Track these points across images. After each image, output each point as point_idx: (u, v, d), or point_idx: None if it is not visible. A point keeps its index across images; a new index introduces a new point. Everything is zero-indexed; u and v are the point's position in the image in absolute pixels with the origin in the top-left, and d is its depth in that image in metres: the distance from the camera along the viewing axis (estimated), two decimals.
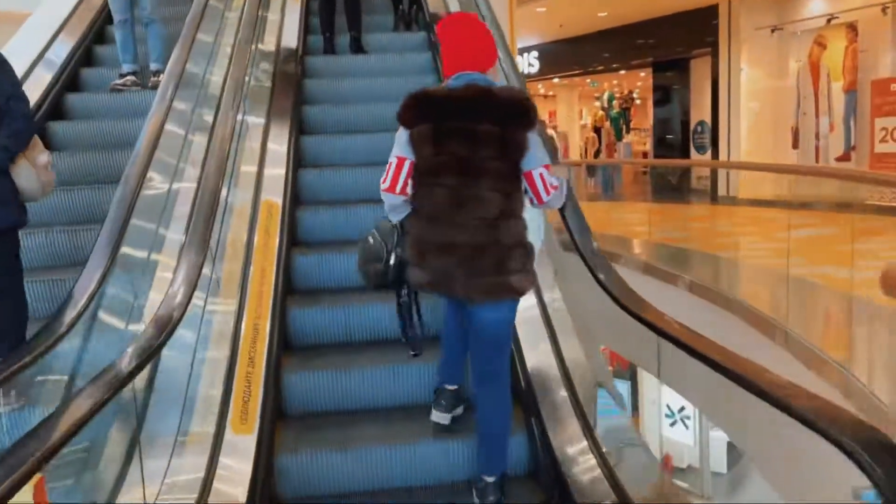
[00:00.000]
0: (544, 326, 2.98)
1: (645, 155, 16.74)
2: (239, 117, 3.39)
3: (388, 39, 5.59)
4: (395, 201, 2.33)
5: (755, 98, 12.14)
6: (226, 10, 4.23)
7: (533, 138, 2.22)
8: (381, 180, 2.32)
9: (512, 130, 2.19)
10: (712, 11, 12.13)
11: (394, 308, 2.67)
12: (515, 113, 2.21)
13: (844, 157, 11.06)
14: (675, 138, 14.43)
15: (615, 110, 17.84)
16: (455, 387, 2.67)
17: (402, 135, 2.29)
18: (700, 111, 13.65)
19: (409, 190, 2.30)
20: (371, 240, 2.54)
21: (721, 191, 12.19)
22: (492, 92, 2.24)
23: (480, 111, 2.20)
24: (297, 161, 4.05)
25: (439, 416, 2.63)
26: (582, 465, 2.45)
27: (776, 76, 12.00)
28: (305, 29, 5.39)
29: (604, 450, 2.44)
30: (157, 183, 2.82)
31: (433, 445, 2.58)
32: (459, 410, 2.69)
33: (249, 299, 2.86)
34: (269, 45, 4.79)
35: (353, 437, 2.61)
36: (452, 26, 2.42)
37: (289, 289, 3.30)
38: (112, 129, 4.18)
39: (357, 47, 5.31)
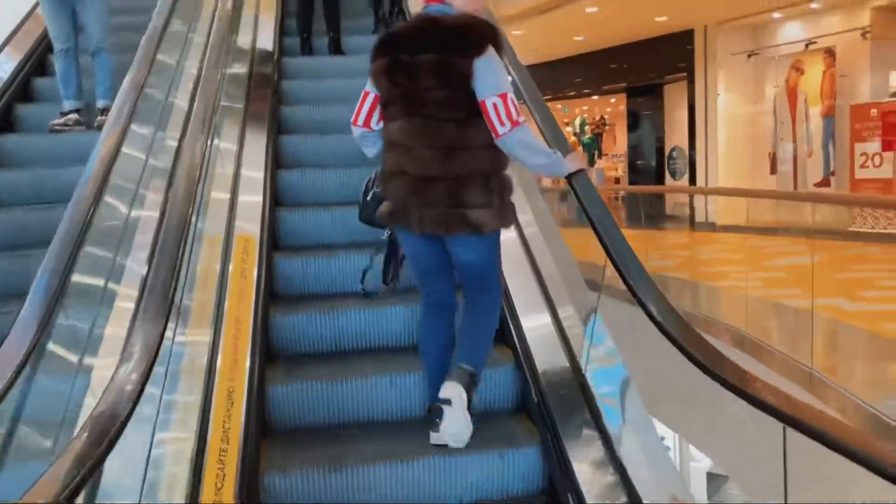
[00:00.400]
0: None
1: (617, 181, 16.58)
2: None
3: (370, 42, 5.16)
4: (358, 132, 2.42)
5: (732, 123, 12.00)
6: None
7: (482, 64, 2.18)
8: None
9: (454, 58, 2.19)
10: (688, 36, 12.00)
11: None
12: (458, 40, 2.20)
13: (824, 183, 10.93)
14: (648, 164, 14.26)
15: (587, 136, 17.68)
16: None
17: (369, 69, 2.37)
18: (675, 136, 13.50)
19: (373, 124, 2.38)
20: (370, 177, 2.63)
21: (699, 217, 12.02)
22: (436, 20, 2.27)
23: (422, 41, 2.25)
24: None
25: (438, 438, 2.30)
26: None
27: (753, 101, 11.89)
28: (281, 31, 5.02)
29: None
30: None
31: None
32: None
33: (222, 364, 2.35)
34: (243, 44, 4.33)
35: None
36: None
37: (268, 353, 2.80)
38: (51, 179, 3.55)
39: (336, 48, 5.06)
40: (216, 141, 3.25)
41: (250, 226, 3.09)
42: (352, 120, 2.42)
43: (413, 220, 2.31)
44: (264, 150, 3.63)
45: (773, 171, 11.55)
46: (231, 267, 2.81)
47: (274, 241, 3.30)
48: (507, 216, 2.37)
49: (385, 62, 2.30)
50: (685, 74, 12.34)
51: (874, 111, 9.78)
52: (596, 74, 14.76)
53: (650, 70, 13.32)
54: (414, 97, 2.25)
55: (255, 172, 3.46)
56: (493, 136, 2.22)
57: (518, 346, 2.73)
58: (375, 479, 2.24)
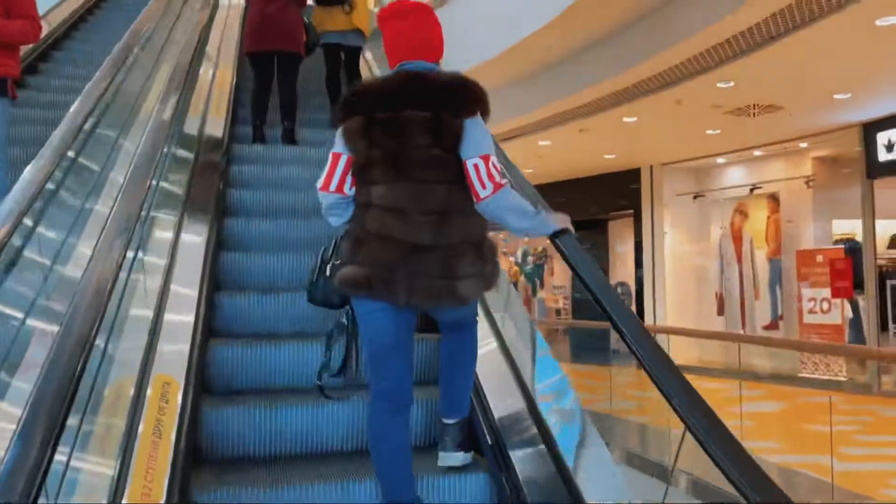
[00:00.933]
0: None
1: (558, 312, 16.28)
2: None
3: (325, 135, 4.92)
4: (329, 200, 2.16)
5: (679, 262, 11.96)
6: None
7: (470, 124, 2.08)
8: (319, 180, 2.17)
9: (445, 115, 2.06)
10: (634, 175, 12.13)
11: None
12: (449, 97, 2.09)
13: (772, 326, 10.81)
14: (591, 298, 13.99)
15: (529, 266, 17.51)
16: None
17: (338, 131, 2.17)
18: (619, 272, 13.39)
19: (346, 189, 2.14)
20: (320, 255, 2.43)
21: None
22: (424, 76, 2.14)
23: (409, 97, 2.09)
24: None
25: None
26: None
27: (699, 241, 11.94)
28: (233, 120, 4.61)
29: None
30: None
31: None
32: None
33: None
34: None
35: None
36: (389, 20, 2.25)
37: None
38: None
39: (290, 138, 4.77)
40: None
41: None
42: (320, 186, 2.16)
43: (398, 291, 2.05)
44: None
45: (721, 312, 11.42)
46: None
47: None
48: (494, 280, 2.27)
49: (361, 120, 2.11)
50: (631, 211, 12.37)
51: (820, 257, 9.84)
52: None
53: (595, 205, 13.36)
54: (399, 156, 2.08)
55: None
56: (475, 200, 2.09)
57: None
58: None
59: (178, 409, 2.16)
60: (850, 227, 10.20)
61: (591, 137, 9.92)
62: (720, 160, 11.19)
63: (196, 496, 2.07)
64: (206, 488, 2.13)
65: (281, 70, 4.73)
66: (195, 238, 3.15)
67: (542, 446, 2.37)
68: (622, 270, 13.28)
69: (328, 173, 2.14)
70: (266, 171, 4.22)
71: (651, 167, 11.88)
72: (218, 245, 3.37)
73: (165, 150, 3.43)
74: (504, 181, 2.09)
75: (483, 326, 2.68)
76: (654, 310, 11.88)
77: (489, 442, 2.48)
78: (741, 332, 10.83)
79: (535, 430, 2.44)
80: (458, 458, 2.36)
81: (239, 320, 3.01)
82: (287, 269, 3.32)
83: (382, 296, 2.06)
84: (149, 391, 2.18)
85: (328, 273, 2.32)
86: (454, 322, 2.30)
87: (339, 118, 2.17)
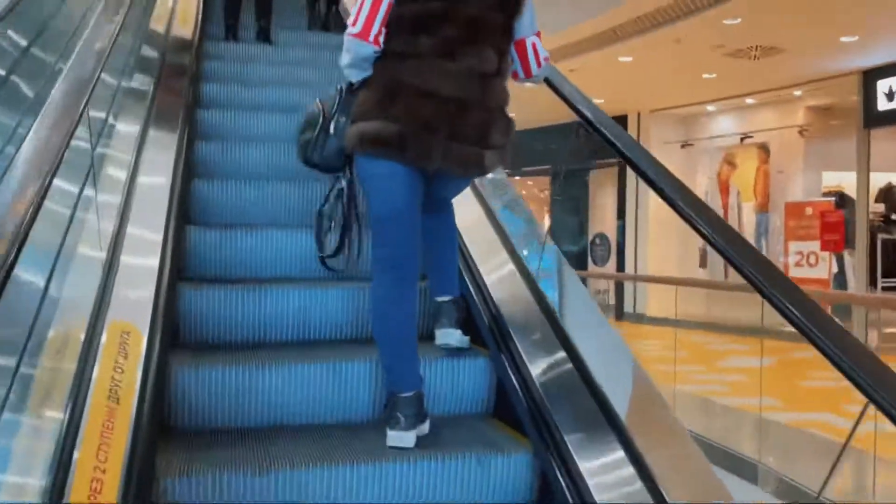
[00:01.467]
0: None
1: None
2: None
3: (303, 37, 4.90)
4: (366, 52, 1.87)
5: (663, 214, 11.63)
6: None
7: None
8: (350, 23, 1.88)
9: None
10: (621, 123, 11.68)
11: None
12: None
13: None
14: (569, 249, 13.71)
15: None
16: (412, 392, 1.89)
17: None
18: (599, 223, 13.06)
19: (381, 40, 1.86)
20: (313, 107, 2.09)
21: (627, 307, 11.45)
22: None
23: None
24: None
25: (400, 438, 1.85)
26: None
27: None
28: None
29: None
30: None
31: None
32: (426, 428, 1.94)
33: None
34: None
35: None
36: None
37: None
38: None
39: (265, 37, 4.61)
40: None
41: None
42: (357, 32, 1.85)
43: (433, 154, 1.87)
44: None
45: (703, 264, 11.18)
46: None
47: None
48: (508, 155, 2.10)
49: None
50: (616, 160, 11.96)
51: (809, 210, 9.58)
52: (518, 156, 14.25)
53: (577, 154, 12.90)
54: (469, 16, 1.89)
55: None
56: (523, 75, 2.12)
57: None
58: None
59: (141, 366, 1.68)
60: (838, 180, 9.95)
61: (582, 79, 9.39)
62: (710, 108, 10.80)
63: (163, 481, 1.61)
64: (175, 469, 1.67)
65: None
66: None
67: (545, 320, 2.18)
68: (602, 222, 12.96)
69: (368, 16, 1.83)
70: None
71: (639, 114, 11.45)
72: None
73: None
74: (547, 54, 2.13)
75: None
76: (635, 262, 11.60)
77: (486, 323, 2.30)
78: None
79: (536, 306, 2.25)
80: (456, 336, 2.20)
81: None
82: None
83: (414, 157, 1.86)
84: (103, 339, 1.70)
85: (332, 130, 2.01)
86: (446, 198, 2.18)
87: None
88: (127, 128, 2.65)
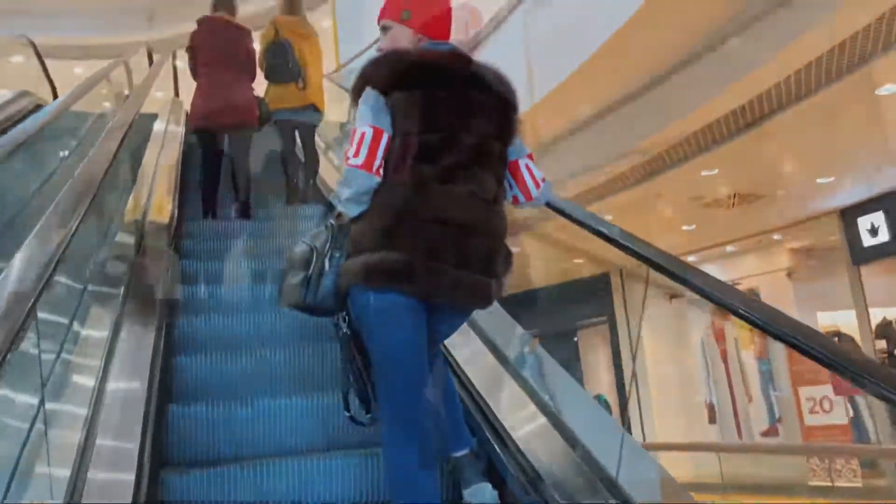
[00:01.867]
0: None
1: None
2: None
3: (282, 210, 4.92)
4: (370, 183, 1.80)
5: (661, 369, 11.23)
6: None
7: (517, 122, 2.01)
8: (351, 154, 1.80)
9: (510, 108, 1.98)
10: (604, 281, 11.59)
11: None
12: (509, 89, 1.98)
13: (771, 432, 10.03)
14: None
15: None
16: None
17: (373, 100, 1.83)
18: (594, 385, 12.55)
19: (381, 171, 1.83)
20: (299, 248, 1.90)
21: None
22: (480, 63, 1.97)
23: (475, 79, 1.92)
24: None
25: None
26: None
27: (677, 345, 11.29)
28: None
29: None
30: None
31: None
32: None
33: None
34: None
35: None
36: None
37: None
38: None
39: (244, 213, 4.52)
40: None
41: None
42: (359, 164, 1.79)
43: (442, 282, 1.78)
44: None
45: (712, 419, 10.62)
46: None
47: None
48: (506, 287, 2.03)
49: (419, 95, 1.84)
50: (604, 318, 11.73)
51: None
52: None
53: (564, 315, 12.68)
54: (469, 145, 1.88)
55: None
56: (523, 199, 2.08)
57: None
58: None
59: None
60: (832, 320, 9.78)
61: (562, 238, 9.38)
62: (692, 258, 10.77)
63: None
64: None
65: (234, 144, 4.54)
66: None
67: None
68: (598, 382, 12.47)
69: (370, 149, 1.78)
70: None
71: (621, 270, 11.37)
72: None
73: None
74: (543, 175, 2.09)
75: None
76: (640, 423, 11.00)
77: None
78: (738, 440, 10.03)
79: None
80: (488, 490, 2.01)
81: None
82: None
83: (424, 287, 1.76)
84: None
85: (327, 267, 1.84)
86: (443, 335, 2.06)
87: (381, 83, 1.84)
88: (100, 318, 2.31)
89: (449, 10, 2.02)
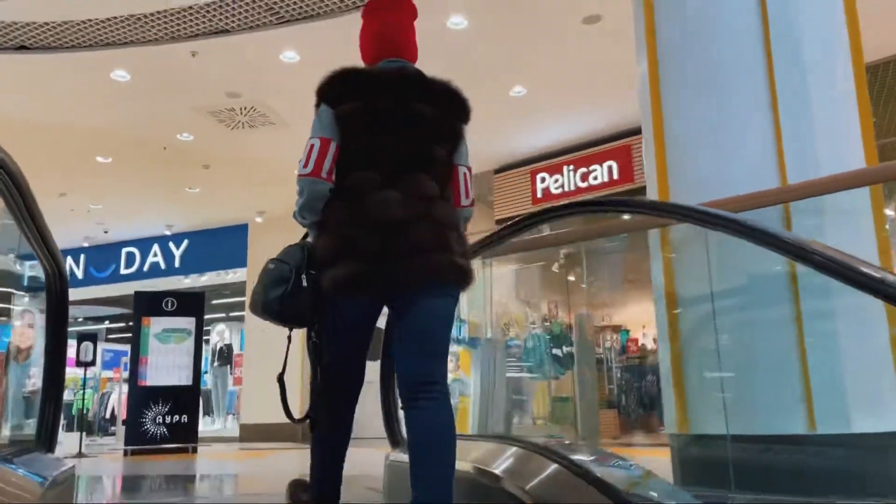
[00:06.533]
0: None
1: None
2: None
3: None
4: (321, 188, 2.02)
5: None
6: None
7: (464, 133, 2.19)
8: (301, 165, 2.02)
9: (452, 116, 2.15)
10: None
11: None
12: (455, 101, 2.16)
13: None
14: None
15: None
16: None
17: (323, 113, 2.07)
18: None
19: (333, 178, 2.04)
20: (272, 265, 2.07)
21: None
22: (423, 74, 2.17)
23: (420, 93, 2.12)
24: None
25: None
26: None
27: None
28: None
29: None
30: None
31: None
32: None
33: None
34: None
35: None
36: (380, 11, 2.23)
37: None
38: None
39: None
40: None
41: None
42: (310, 171, 2.01)
43: (398, 270, 1.96)
44: None
45: None
46: None
47: None
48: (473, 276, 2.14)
49: (361, 106, 2.05)
50: None
51: None
52: None
53: None
54: (404, 150, 2.07)
55: None
56: (454, 201, 2.18)
57: None
58: None
59: None
60: None
61: None
62: None
63: None
64: None
65: None
66: None
67: None
68: None
69: (318, 158, 1.99)
70: None
71: None
72: None
73: None
74: (474, 196, 2.24)
75: None
76: None
77: None
78: None
79: None
80: None
81: None
82: None
83: (381, 285, 1.97)
84: None
85: (304, 283, 2.03)
86: (433, 339, 2.02)
87: (330, 98, 2.05)
88: None
89: (399, 32, 2.22)
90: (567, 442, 6.73)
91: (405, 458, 2.40)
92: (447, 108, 2.13)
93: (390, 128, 2.04)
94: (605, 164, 9.27)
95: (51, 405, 2.36)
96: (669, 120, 3.25)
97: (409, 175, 2.03)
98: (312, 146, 2.02)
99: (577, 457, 2.13)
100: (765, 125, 2.97)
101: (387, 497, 2.85)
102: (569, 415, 9.64)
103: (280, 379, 2.12)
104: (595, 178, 9.34)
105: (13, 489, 1.58)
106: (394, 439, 2.94)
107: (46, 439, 2.28)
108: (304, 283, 2.02)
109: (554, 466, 2.10)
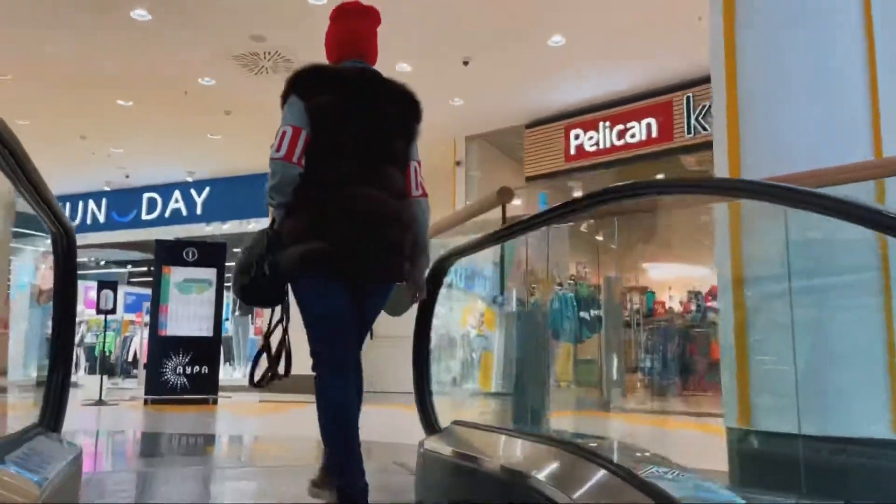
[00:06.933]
0: None
1: None
2: None
3: None
4: (292, 172, 2.20)
5: None
6: None
7: (417, 130, 2.44)
8: (274, 149, 2.20)
9: (409, 116, 2.41)
10: None
11: None
12: (412, 101, 2.42)
13: None
14: None
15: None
16: (363, 486, 2.15)
17: (295, 104, 2.25)
18: None
19: (303, 162, 2.22)
20: (244, 256, 2.29)
21: None
22: (382, 76, 2.40)
23: (378, 90, 2.35)
24: None
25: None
26: None
27: None
28: None
29: None
30: None
31: None
32: None
33: None
34: None
35: None
36: (348, 16, 2.45)
37: None
38: None
39: None
40: None
41: None
42: (282, 156, 2.18)
43: (359, 266, 2.23)
44: None
45: None
46: None
47: None
48: (423, 270, 2.49)
49: (330, 101, 2.25)
50: None
51: None
52: None
53: None
54: (372, 143, 2.29)
55: None
56: (405, 191, 2.39)
57: None
58: None
59: None
60: None
61: None
62: None
63: None
64: None
65: None
66: None
67: None
68: None
69: (290, 143, 2.16)
70: None
71: None
72: None
73: None
74: (425, 191, 2.43)
75: None
76: None
77: None
78: None
79: None
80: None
81: None
82: None
83: (346, 270, 2.20)
84: None
85: (266, 269, 2.22)
86: (372, 310, 2.39)
87: (300, 91, 2.23)
88: None
89: (350, 31, 2.44)
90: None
91: (443, 448, 2.24)
92: (405, 108, 2.39)
93: (359, 121, 2.26)
94: (644, 122, 8.83)
95: (58, 378, 2.15)
96: (744, 73, 2.88)
97: (380, 168, 2.28)
98: (284, 133, 2.19)
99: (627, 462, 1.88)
100: (858, 82, 2.61)
101: (420, 489, 2.64)
102: (594, 378, 9.44)
103: (265, 339, 2.34)
104: (633, 135, 8.92)
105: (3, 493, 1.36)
106: (429, 425, 2.70)
107: (53, 417, 2.08)
108: (267, 270, 2.22)
109: (602, 472, 1.85)
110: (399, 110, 2.37)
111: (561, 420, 4.75)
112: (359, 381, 2.35)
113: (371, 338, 2.44)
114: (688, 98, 8.55)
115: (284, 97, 2.26)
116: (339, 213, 2.18)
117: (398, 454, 4.02)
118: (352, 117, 2.24)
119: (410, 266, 2.34)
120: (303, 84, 2.24)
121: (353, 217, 2.18)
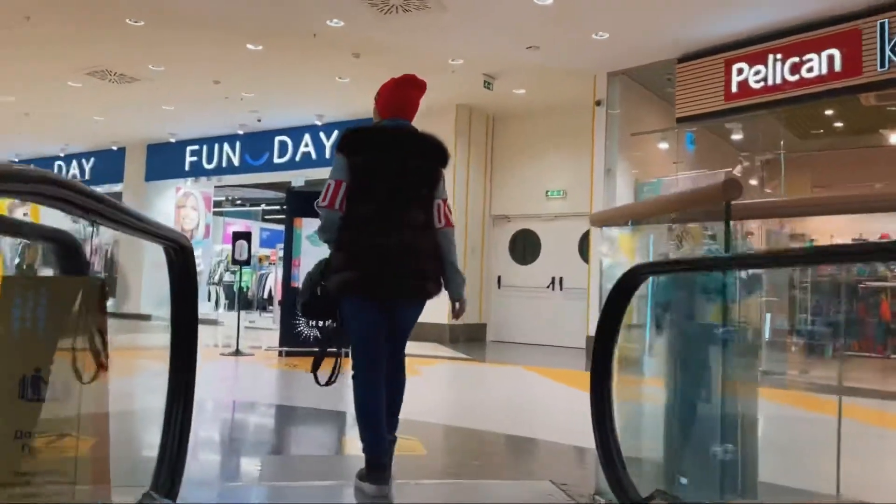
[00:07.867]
0: None
1: None
2: None
3: None
4: (333, 216, 2.84)
5: None
6: None
7: (443, 174, 3.01)
8: (320, 199, 2.84)
9: (434, 165, 2.97)
10: None
11: None
12: (438, 152, 2.99)
13: None
14: None
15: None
16: (386, 457, 2.83)
17: (340, 161, 2.87)
18: None
19: (344, 206, 2.84)
20: (305, 279, 3.01)
21: None
22: (417, 132, 3.01)
23: (415, 148, 2.96)
24: None
25: (376, 490, 2.77)
26: None
27: None
28: None
29: None
30: None
31: None
32: (392, 486, 2.84)
33: None
34: None
35: None
36: (407, 87, 3.06)
37: None
38: None
39: None
40: None
41: None
42: (326, 204, 2.84)
43: (388, 286, 2.84)
44: None
45: None
46: None
47: None
48: (445, 285, 3.03)
49: (368, 158, 2.87)
50: None
51: None
52: None
53: None
54: (401, 192, 2.88)
55: None
56: (435, 225, 2.97)
57: None
58: None
59: None
60: None
61: None
62: None
63: None
64: None
65: None
66: None
67: None
68: None
69: (332, 194, 2.83)
70: None
71: None
72: None
73: None
74: (452, 222, 3.03)
75: None
76: None
77: None
78: None
79: None
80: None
81: None
82: None
83: (376, 293, 2.84)
84: None
85: (318, 291, 2.92)
86: (405, 334, 3.04)
87: (345, 151, 2.87)
88: None
89: (405, 97, 3.04)
90: None
91: None
92: (433, 158, 2.97)
93: (390, 173, 2.87)
94: (825, 53, 7.55)
95: (175, 428, 1.77)
96: None
97: (405, 209, 2.86)
98: (329, 185, 2.85)
99: None
100: None
101: None
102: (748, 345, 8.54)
103: (321, 347, 2.98)
104: (809, 69, 7.67)
105: None
106: (621, 490, 2.13)
107: (168, 480, 1.71)
108: (318, 291, 2.92)
109: None
110: (427, 162, 2.95)
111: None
112: (400, 374, 3.01)
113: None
114: (881, 24, 7.20)
115: (336, 153, 2.90)
116: (369, 248, 2.80)
117: (544, 456, 3.51)
118: (384, 171, 2.85)
119: (435, 285, 2.92)
120: (346, 145, 2.87)
121: (380, 251, 2.79)
